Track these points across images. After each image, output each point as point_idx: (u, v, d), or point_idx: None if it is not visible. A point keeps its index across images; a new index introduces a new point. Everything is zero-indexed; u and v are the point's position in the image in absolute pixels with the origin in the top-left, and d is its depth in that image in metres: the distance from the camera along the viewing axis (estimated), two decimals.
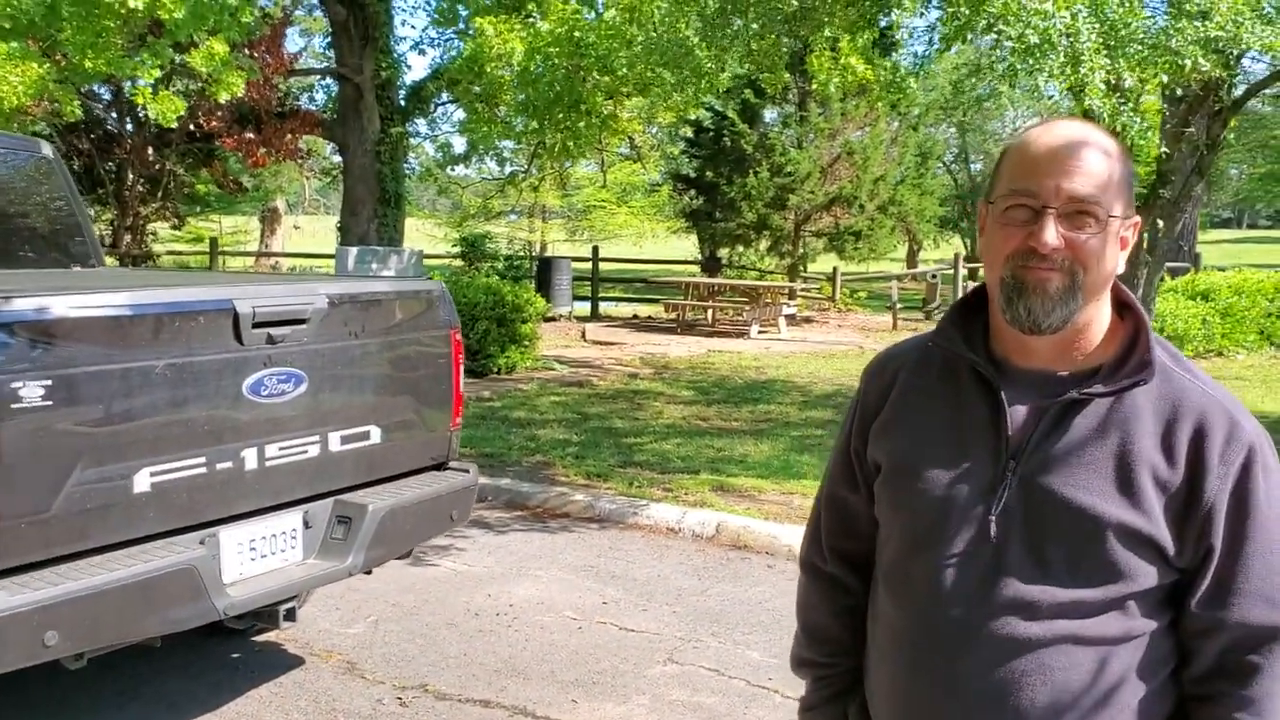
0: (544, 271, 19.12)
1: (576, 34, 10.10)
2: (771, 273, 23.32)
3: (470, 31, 14.31)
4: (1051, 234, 1.45)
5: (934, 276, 21.62)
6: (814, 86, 15.42)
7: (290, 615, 3.74)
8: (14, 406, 2.90)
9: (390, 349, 4.07)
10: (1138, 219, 1.53)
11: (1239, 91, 8.79)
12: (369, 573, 4.08)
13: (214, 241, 21.58)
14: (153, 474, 3.24)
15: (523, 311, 12.54)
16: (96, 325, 3.12)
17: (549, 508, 6.94)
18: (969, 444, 1.54)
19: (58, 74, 9.93)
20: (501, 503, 7.04)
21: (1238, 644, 1.48)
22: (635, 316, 20.80)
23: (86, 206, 5.09)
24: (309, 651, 4.64)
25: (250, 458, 3.53)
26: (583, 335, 17.09)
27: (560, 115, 10.94)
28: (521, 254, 22.05)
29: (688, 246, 30.07)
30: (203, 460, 3.39)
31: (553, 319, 17.83)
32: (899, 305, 19.86)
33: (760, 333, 17.53)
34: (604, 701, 4.26)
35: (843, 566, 1.76)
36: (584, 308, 20.42)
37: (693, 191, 23.17)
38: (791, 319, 18.64)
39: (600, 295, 21.16)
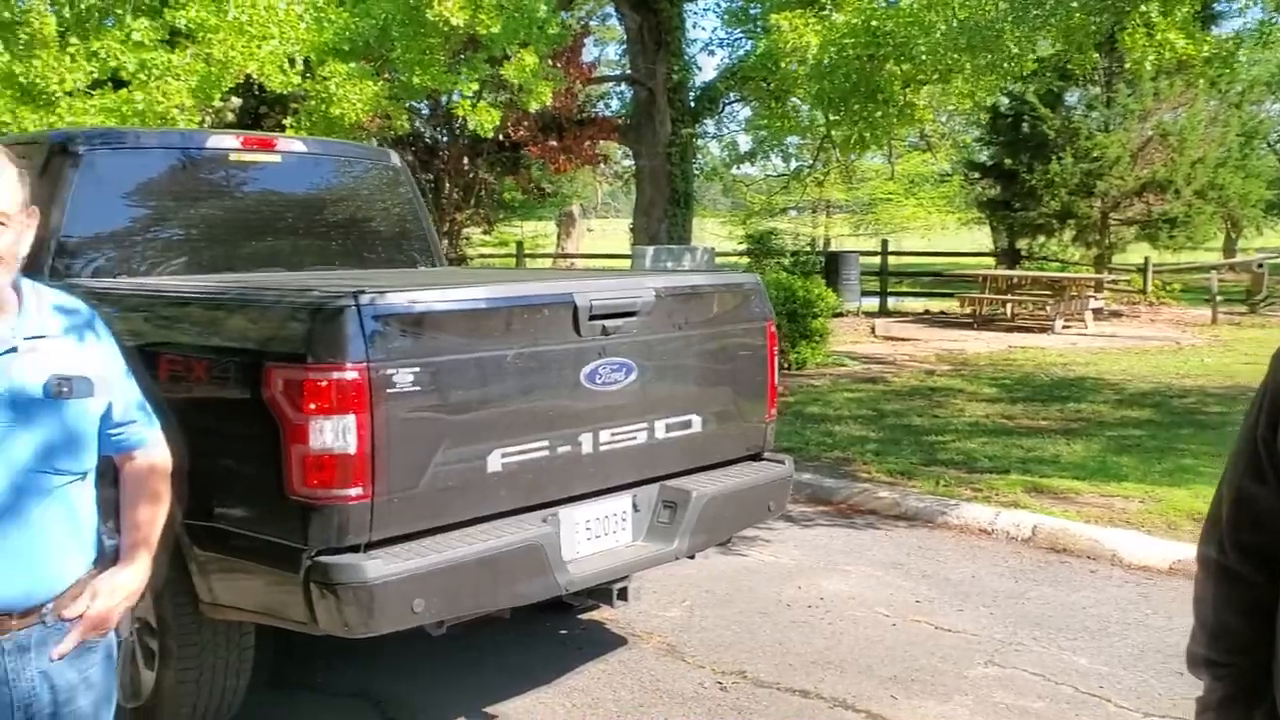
0: (832, 266, 18.96)
1: (874, 23, 9.95)
2: (1075, 264, 22.08)
3: (760, 29, 14.40)
4: None
5: (1260, 266, 19.79)
6: (1125, 66, 14.50)
7: (623, 595, 3.90)
8: (389, 391, 3.17)
9: (710, 340, 4.16)
10: None
11: None
12: (691, 558, 4.19)
13: (519, 245, 22.80)
14: (504, 455, 3.46)
15: (814, 307, 12.49)
16: (457, 318, 3.37)
17: (853, 504, 6.89)
18: None
19: (389, 91, 10.78)
20: (804, 497, 7.04)
21: None
22: (927, 311, 20.27)
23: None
24: (630, 632, 4.82)
25: (587, 442, 3.71)
26: (872, 331, 16.83)
27: (856, 106, 10.82)
28: (808, 249, 21.95)
29: (979, 238, 29.01)
30: (546, 444, 3.59)
31: (841, 315, 17.66)
32: (1219, 298, 18.31)
33: (1065, 328, 16.66)
34: (925, 699, 4.19)
35: (1246, 561, 1.65)
36: (872, 303, 20.10)
37: (988, 180, 22.31)
38: (1099, 313, 17.59)
39: (889, 290, 20.76)
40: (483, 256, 24.22)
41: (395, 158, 5.49)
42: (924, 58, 9.43)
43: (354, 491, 3.13)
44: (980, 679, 4.37)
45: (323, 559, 3.12)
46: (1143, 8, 9.24)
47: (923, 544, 6.15)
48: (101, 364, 2.18)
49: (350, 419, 3.10)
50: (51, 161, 4.21)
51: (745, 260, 19.37)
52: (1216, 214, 21.73)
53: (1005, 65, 8.78)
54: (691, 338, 4.07)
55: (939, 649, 4.68)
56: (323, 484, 3.12)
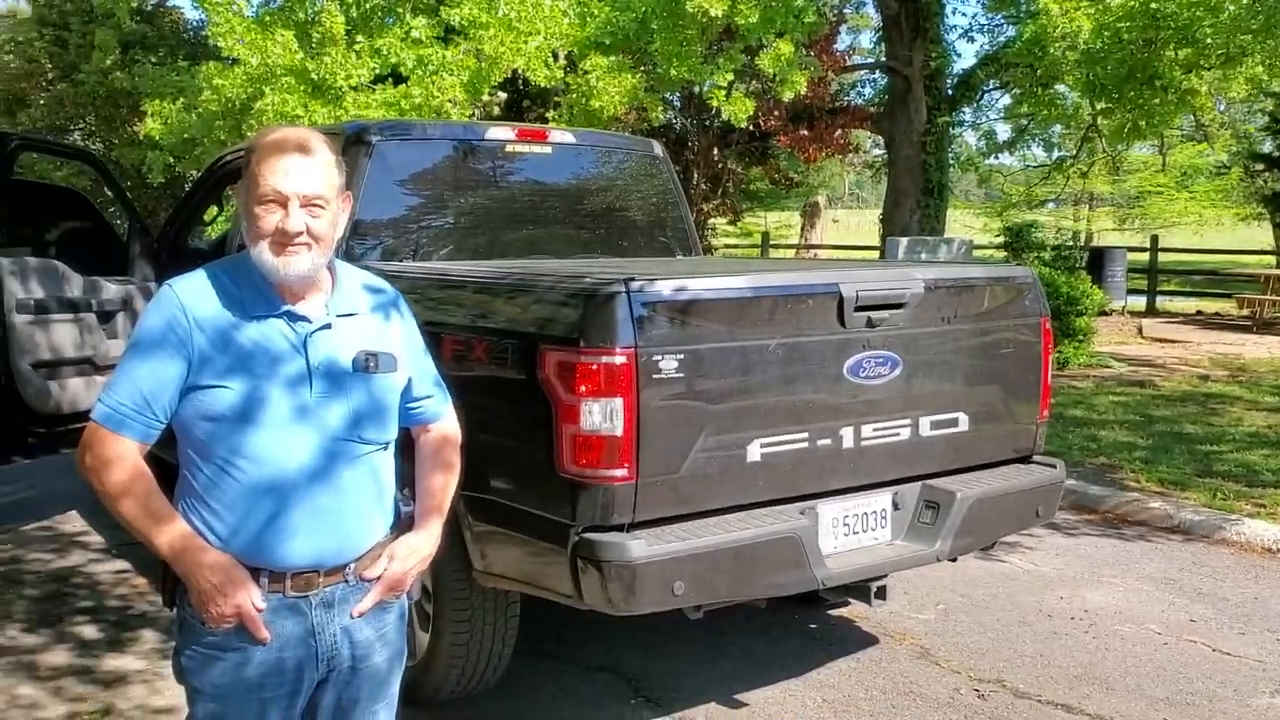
0: (1096, 262, 17.92)
1: (1153, 5, 9.32)
2: None
3: (1025, 14, 13.78)
4: None
5: None
6: None
7: (881, 594, 3.82)
8: (655, 377, 3.22)
9: (981, 336, 4.01)
10: None
11: None
12: (954, 561, 4.06)
13: (765, 235, 22.76)
14: (763, 445, 3.46)
15: (1078, 304, 11.87)
16: (722, 306, 3.39)
17: (1121, 513, 6.50)
18: None
19: (646, 83, 10.97)
20: (1068, 504, 6.67)
21: None
22: (1199, 313, 18.89)
23: None
24: (882, 632, 4.73)
25: (847, 436, 3.65)
26: (1139, 331, 15.83)
27: (1131, 93, 10.17)
28: (1070, 243, 20.87)
29: (1258, 235, 26.79)
30: (806, 436, 3.56)
31: (1105, 314, 16.69)
32: None
33: None
34: None
35: None
36: (1138, 302, 18.90)
37: (1273, 173, 20.55)
38: None
39: (1158, 289, 19.46)
40: (727, 246, 24.33)
41: (658, 148, 5.58)
42: (1209, 40, 8.77)
43: (620, 472, 3.20)
44: (1267, 710, 4.04)
45: (589, 535, 3.21)
46: None
47: (1198, 560, 5.74)
48: (404, 341, 2.31)
49: (618, 402, 3.17)
50: (348, 150, 4.51)
51: (1002, 254, 18.61)
52: None
53: None
54: (960, 332, 3.93)
55: (1218, 673, 4.35)
56: (591, 463, 3.20)
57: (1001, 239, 19.07)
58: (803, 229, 29.30)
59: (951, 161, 19.85)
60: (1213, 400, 10.29)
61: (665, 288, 3.29)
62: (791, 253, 27.49)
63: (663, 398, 3.25)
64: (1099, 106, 10.81)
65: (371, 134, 4.61)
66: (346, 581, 2.22)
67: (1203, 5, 8.91)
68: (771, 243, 26.20)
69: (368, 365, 2.21)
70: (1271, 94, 19.50)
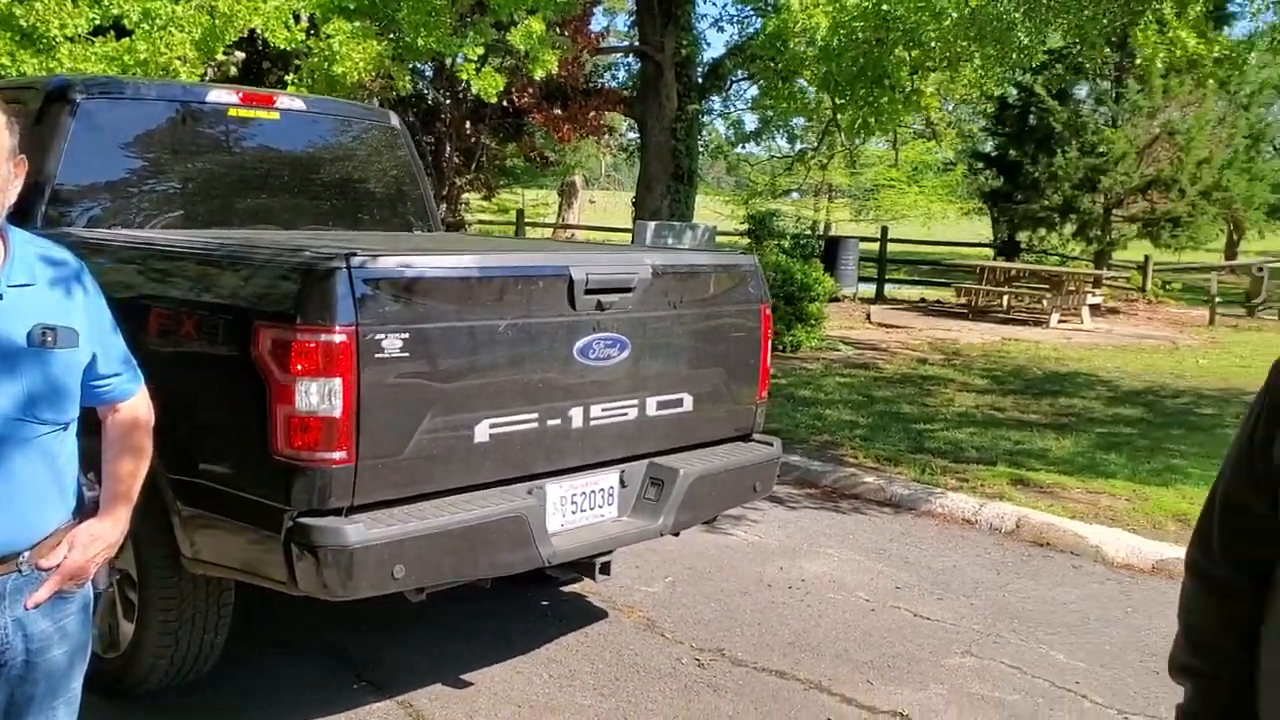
0: (831, 251, 18.91)
1: (884, 7, 9.88)
2: (1074, 259, 22.07)
3: (771, 7, 14.31)
4: None
5: (1260, 270, 19.78)
6: (1136, 62, 14.45)
7: (606, 569, 3.91)
8: (377, 356, 3.16)
9: (705, 320, 4.15)
10: None
11: None
12: (677, 535, 4.19)
13: (520, 213, 22.72)
14: (491, 426, 3.45)
15: (810, 290, 12.48)
16: (450, 285, 3.35)
17: (839, 487, 6.90)
18: None
19: (392, 51, 10.70)
20: (791, 479, 7.04)
21: None
22: (922, 300, 20.25)
23: None
24: (611, 606, 4.83)
25: (576, 416, 3.70)
26: (867, 317, 16.82)
27: (862, 90, 10.75)
28: (808, 232, 21.90)
29: (979, 229, 28.93)
30: (535, 416, 3.58)
31: (837, 299, 17.63)
32: (1218, 300, 18.32)
33: (1061, 322, 16.66)
34: (900, 686, 4.20)
35: (1236, 572, 1.64)
36: (868, 289, 20.07)
37: (991, 171, 22.26)
38: (1096, 309, 17.58)
39: (886, 277, 20.73)
40: (482, 223, 24.14)
41: (395, 119, 5.45)
42: (933, 44, 9.38)
43: (338, 455, 3.12)
44: (957, 668, 4.39)
45: (304, 520, 3.12)
46: (1156, 5, 9.18)
47: (906, 531, 6.17)
48: (87, 315, 2.16)
49: (336, 382, 3.09)
50: (48, 108, 4.17)
51: (745, 240, 19.32)
52: (1219, 215, 21.70)
53: (1014, 56, 8.73)
54: (686, 316, 4.05)
55: (916, 636, 4.69)
56: (307, 446, 3.11)
57: (745, 226, 19.85)
58: (560, 208, 29.45)
59: (702, 149, 20.43)
60: (929, 382, 11.06)
61: (389, 264, 3.23)
62: (549, 232, 27.59)
63: (385, 378, 3.19)
64: (828, 102, 11.36)
65: (76, 91, 4.27)
66: (20, 571, 2.07)
67: (928, 10, 9.49)
68: (528, 221, 26.20)
69: (44, 340, 2.05)
70: (991, 97, 21.06)
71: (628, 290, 3.75)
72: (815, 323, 12.77)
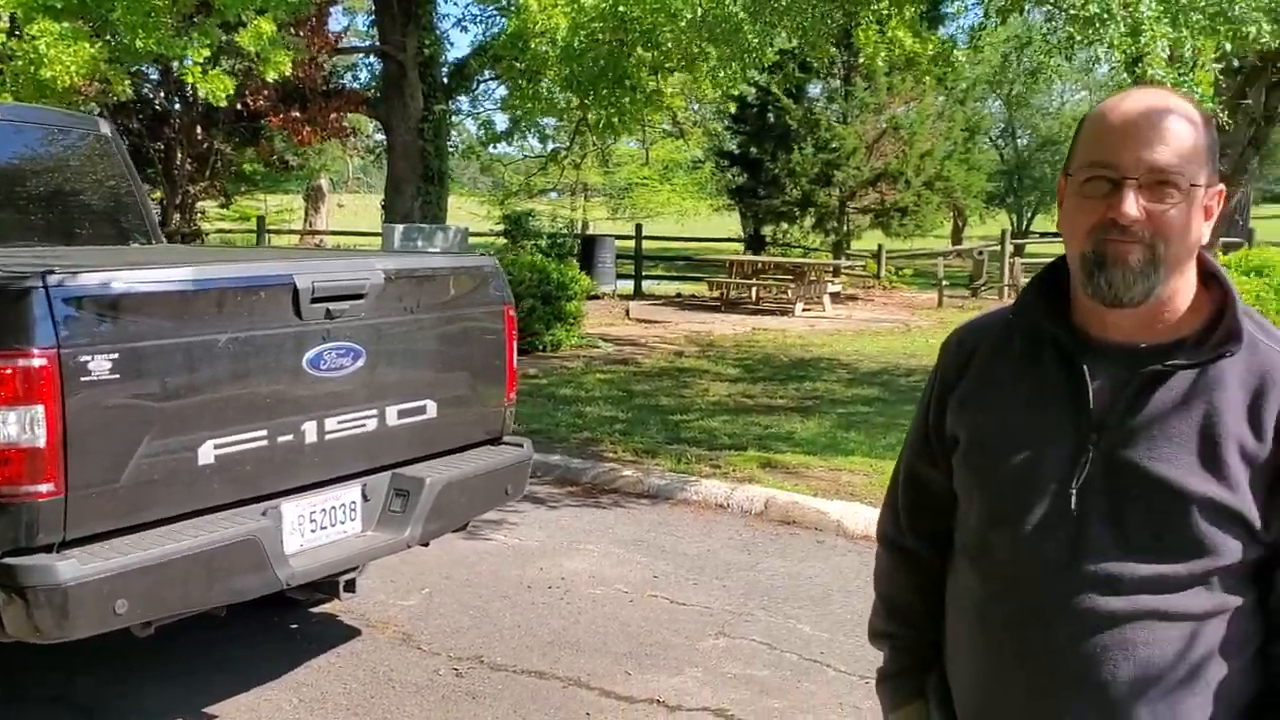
0: (588, 249, 19.13)
1: (621, 8, 10.03)
2: (816, 250, 23.18)
3: (513, 7, 14.29)
4: (1131, 205, 1.41)
5: (980, 254, 21.39)
6: (861, 61, 15.28)
7: (350, 587, 3.79)
8: (84, 380, 2.95)
9: (445, 324, 4.09)
10: (1222, 187, 1.50)
11: None
12: (426, 545, 4.12)
13: (261, 220, 21.79)
14: (217, 446, 3.29)
15: (568, 289, 12.57)
16: (162, 300, 3.17)
17: (599, 483, 6.97)
18: (1050, 417, 1.52)
19: (108, 54, 10.03)
20: (552, 479, 7.08)
21: None
22: (679, 295, 20.76)
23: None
24: (365, 623, 4.70)
25: (310, 431, 3.57)
26: (626, 314, 17.10)
27: (605, 91, 10.90)
28: (564, 232, 22.06)
29: (731, 224, 29.98)
30: (265, 433, 3.44)
31: (596, 297, 17.83)
32: (945, 283, 19.68)
33: (805, 310, 17.45)
34: (657, 673, 4.29)
35: (921, 540, 1.75)
36: (627, 286, 20.41)
37: (736, 168, 23.07)
38: (836, 297, 18.52)
39: (644, 274, 21.14)
40: (221, 232, 23.03)
41: (106, 126, 5.11)
42: (669, 45, 9.60)
43: (44, 488, 2.90)
44: (710, 650, 4.52)
45: (8, 561, 2.88)
46: (874, 5, 9.72)
47: (663, 520, 6.30)
48: None
49: (38, 410, 2.87)
50: None
51: (501, 241, 19.27)
52: (943, 204, 23.27)
53: (746, 56, 9.04)
54: (425, 321, 3.99)
55: (673, 623, 4.80)
56: (8, 480, 2.88)
57: (501, 227, 19.80)
58: (306, 214, 28.48)
59: (453, 149, 20.20)
60: (685, 374, 11.35)
61: (92, 280, 3.02)
62: (296, 239, 26.62)
63: (94, 402, 2.98)
64: (576, 102, 11.47)
65: None
66: None
67: (664, 12, 9.69)
68: (273, 228, 25.19)
69: None
70: (731, 97, 21.80)
71: (359, 297, 3.65)
72: (574, 321, 12.87)
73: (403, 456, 3.95)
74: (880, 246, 21.77)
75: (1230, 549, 1.44)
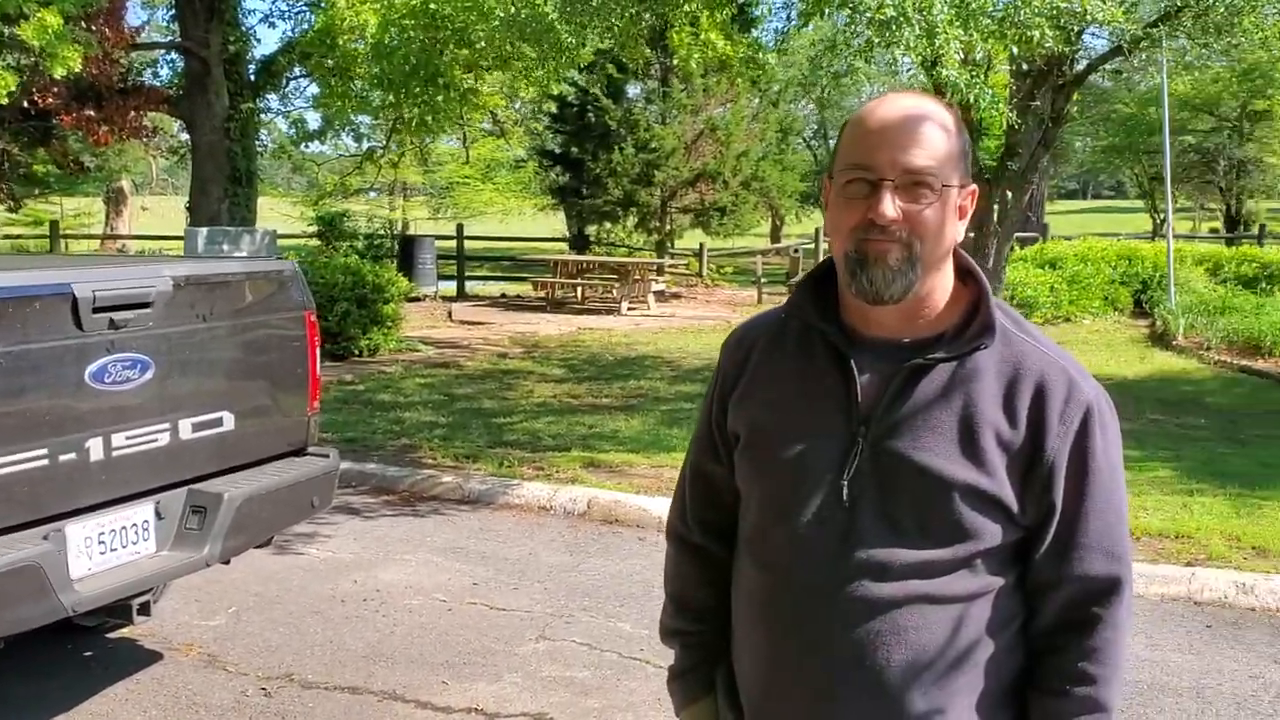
0: (406, 250, 18.78)
1: (432, 6, 9.89)
2: (640, 249, 23.40)
3: (322, 3, 13.90)
4: (889, 206, 1.47)
5: (796, 251, 21.99)
6: (676, 62, 15.49)
7: (144, 610, 3.60)
8: None
9: (241, 332, 3.94)
10: (974, 187, 1.57)
11: (1080, 66, 9.17)
12: (227, 563, 3.94)
13: (54, 224, 20.53)
14: None
15: (384, 292, 12.31)
16: None
17: (417, 491, 6.84)
18: (822, 411, 1.57)
19: None
20: (369, 488, 6.91)
21: (1080, 596, 1.53)
22: (503, 296, 20.62)
23: None
24: (167, 646, 4.48)
25: (96, 448, 3.37)
26: (449, 315, 16.87)
27: (417, 89, 10.72)
28: (382, 233, 21.61)
29: (556, 224, 29.96)
30: (45, 452, 3.23)
31: (417, 299, 17.53)
32: (764, 280, 20.16)
33: (630, 309, 17.59)
34: (475, 681, 4.23)
35: (708, 536, 1.78)
36: (450, 287, 20.14)
37: (559, 168, 23.07)
38: (660, 295, 18.74)
39: (466, 274, 20.90)
40: (10, 238, 21.63)
41: None
42: (482, 44, 9.52)
43: None
44: (530, 654, 4.49)
45: None
46: (686, 7, 9.87)
47: (485, 526, 6.23)
48: None
49: None
50: None
51: (315, 243, 18.72)
52: (760, 203, 23.84)
53: (560, 56, 9.04)
54: (219, 329, 3.82)
55: (493, 629, 4.75)
56: None
57: (315, 228, 19.24)
58: (108, 217, 27.04)
59: (263, 149, 19.50)
60: (509, 376, 11.27)
61: None
62: (96, 244, 25.22)
63: None
64: (388, 100, 11.25)
65: None
66: None
67: (476, 10, 9.60)
68: (71, 233, 23.80)
69: None
70: (552, 97, 21.78)
71: (145, 306, 3.47)
72: (393, 324, 12.61)
73: (199, 471, 3.77)
74: (702, 245, 22.14)
75: (990, 532, 1.51)
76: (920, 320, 1.56)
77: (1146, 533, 5.80)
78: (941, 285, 1.56)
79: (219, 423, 3.81)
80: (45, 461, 3.24)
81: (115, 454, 3.44)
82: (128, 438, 3.48)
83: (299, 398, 4.17)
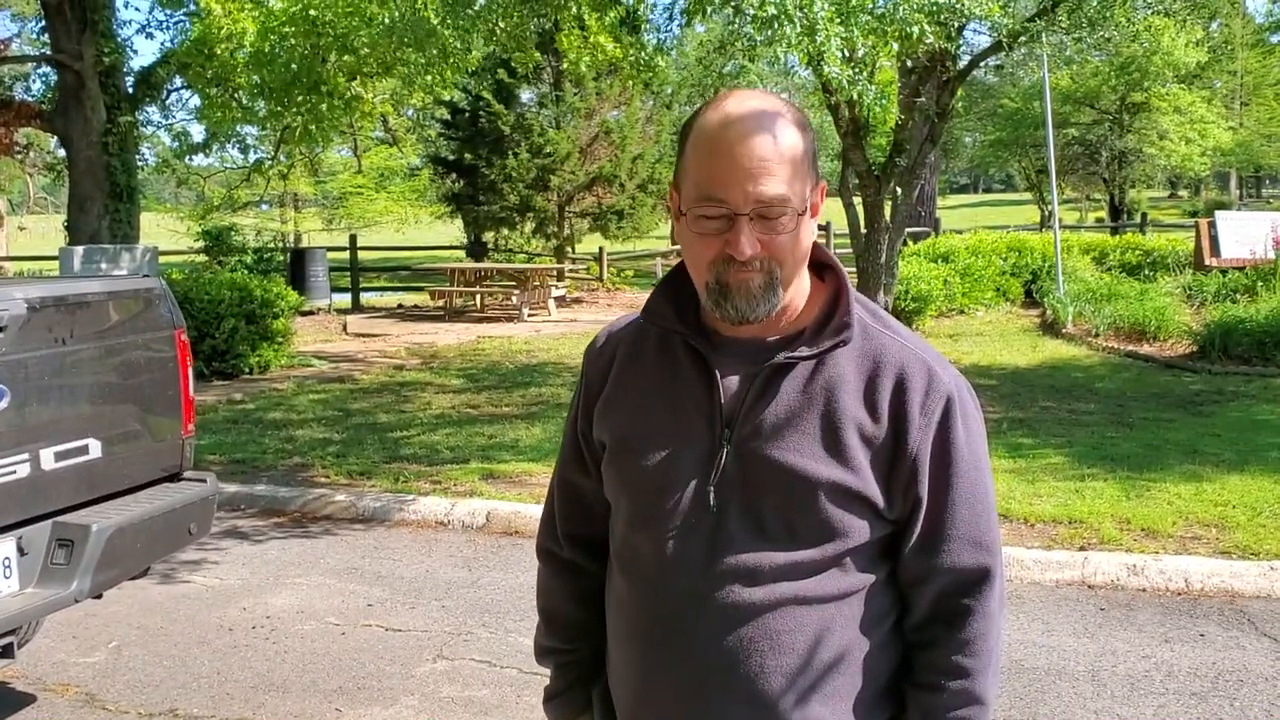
0: (297, 263, 18.38)
1: (313, 12, 9.65)
2: (539, 255, 23.24)
3: (200, 13, 13.49)
4: (747, 242, 1.41)
5: None
6: (566, 66, 15.40)
7: (7, 652, 3.38)
8: None
9: (106, 354, 3.74)
10: (824, 183, 1.52)
11: (964, 62, 9.33)
12: (99, 597, 3.75)
13: None
14: None
15: (273, 306, 11.97)
16: None
17: (308, 511, 6.64)
18: (686, 416, 1.51)
19: None
20: (258, 510, 6.68)
21: (950, 588, 1.50)
22: (400, 306, 20.29)
23: None
24: (41, 687, 4.24)
25: None
26: (344, 328, 16.53)
27: (300, 97, 10.45)
28: (273, 246, 21.10)
29: (454, 232, 29.62)
30: None
31: (310, 313, 17.16)
32: None
33: (531, 315, 17.45)
34: (370, 706, 4.09)
35: (579, 551, 1.71)
36: (345, 299, 19.75)
37: (453, 175, 22.77)
38: (561, 300, 18.63)
39: (362, 286, 20.52)
40: None
41: None
42: (365, 50, 9.31)
43: None
44: (428, 675, 4.36)
45: None
46: (572, 9, 9.79)
47: (379, 544, 6.06)
48: None
49: None
50: None
51: (203, 259, 18.20)
52: (658, 205, 23.85)
53: (445, 61, 8.89)
54: (81, 353, 3.63)
55: (388, 651, 4.60)
56: None
57: (201, 244, 18.71)
58: None
59: (145, 163, 18.88)
60: (407, 388, 11.05)
61: None
62: None
63: None
64: (272, 109, 10.94)
65: None
66: None
67: (358, 15, 9.40)
68: None
69: None
70: (443, 103, 21.50)
71: None
72: (283, 340, 12.29)
73: (65, 503, 3.58)
74: (601, 249, 22.08)
75: (858, 530, 1.46)
76: (782, 320, 1.52)
77: (1040, 519, 5.90)
78: (800, 290, 1.52)
79: (84, 450, 3.62)
80: None
81: None
82: None
83: (171, 421, 3.99)
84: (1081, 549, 5.47)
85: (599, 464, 1.62)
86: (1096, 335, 12.92)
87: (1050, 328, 14.20)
